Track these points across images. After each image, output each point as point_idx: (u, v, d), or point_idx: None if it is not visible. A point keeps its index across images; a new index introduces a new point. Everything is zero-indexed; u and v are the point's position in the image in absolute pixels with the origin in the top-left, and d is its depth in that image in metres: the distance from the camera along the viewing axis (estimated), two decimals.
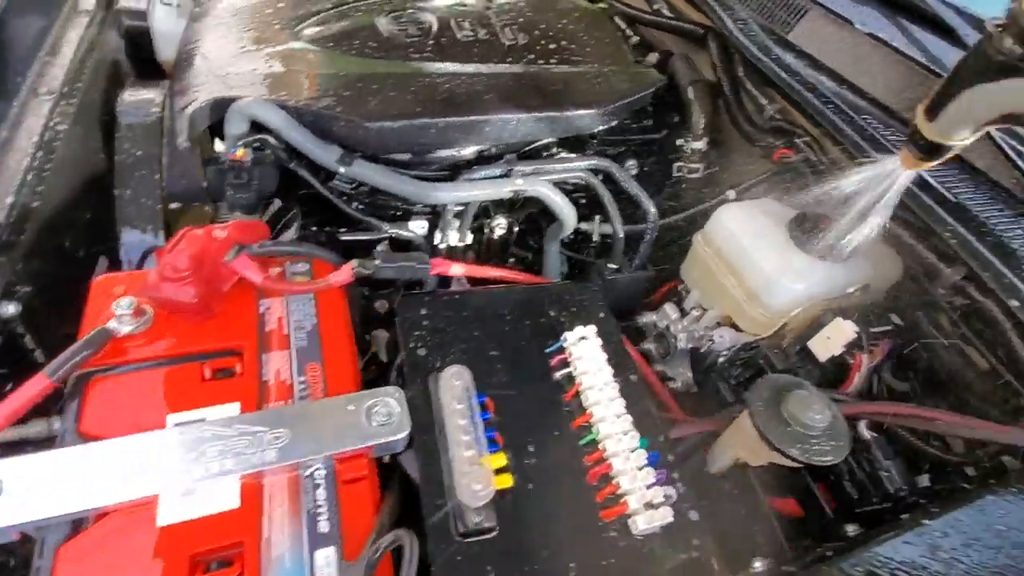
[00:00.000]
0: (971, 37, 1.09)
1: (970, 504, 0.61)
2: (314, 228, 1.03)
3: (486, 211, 1.10)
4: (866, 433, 0.77)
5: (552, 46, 1.13)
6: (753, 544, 0.78)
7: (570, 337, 0.80)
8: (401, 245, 1.07)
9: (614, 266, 1.11)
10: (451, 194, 0.92)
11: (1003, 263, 0.78)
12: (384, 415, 0.68)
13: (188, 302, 0.71)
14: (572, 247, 1.23)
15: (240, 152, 0.92)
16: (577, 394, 0.75)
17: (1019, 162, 0.87)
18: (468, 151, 0.99)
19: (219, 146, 1.01)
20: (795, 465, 0.65)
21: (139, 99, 1.05)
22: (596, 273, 1.09)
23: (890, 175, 0.69)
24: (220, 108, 0.94)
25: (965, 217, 0.82)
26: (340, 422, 0.65)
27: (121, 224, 0.92)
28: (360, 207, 1.00)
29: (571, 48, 1.14)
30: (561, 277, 1.21)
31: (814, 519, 0.84)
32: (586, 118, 1.00)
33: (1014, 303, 0.74)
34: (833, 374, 0.93)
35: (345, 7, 1.20)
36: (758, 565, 0.67)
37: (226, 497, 0.60)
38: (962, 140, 0.57)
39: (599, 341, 0.80)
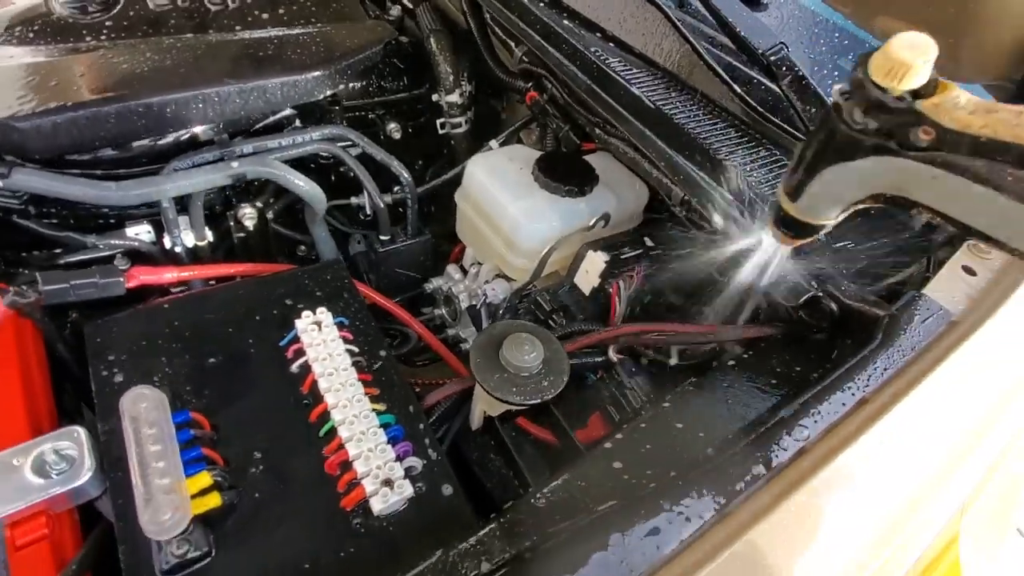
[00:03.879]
0: None
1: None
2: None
3: (228, 201, 0.99)
4: (613, 356, 0.79)
5: (266, 12, 1.02)
6: None
7: (300, 324, 0.74)
8: (136, 256, 0.94)
9: (385, 238, 1.06)
10: (139, 191, 0.79)
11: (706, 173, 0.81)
12: (61, 462, 0.59)
13: None
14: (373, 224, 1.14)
15: None
16: (314, 383, 0.70)
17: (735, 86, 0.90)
18: (170, 138, 0.87)
19: None
20: (523, 407, 0.64)
21: None
22: (366, 248, 1.03)
23: (771, 250, 0.62)
24: None
25: (667, 132, 0.83)
26: (2, 481, 0.56)
27: None
28: (53, 222, 0.85)
29: (292, 9, 1.04)
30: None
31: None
32: (304, 84, 0.91)
33: (716, 219, 0.78)
34: (604, 306, 0.96)
35: None
36: None
37: None
38: (831, 219, 0.48)
39: (337, 322, 0.75)
